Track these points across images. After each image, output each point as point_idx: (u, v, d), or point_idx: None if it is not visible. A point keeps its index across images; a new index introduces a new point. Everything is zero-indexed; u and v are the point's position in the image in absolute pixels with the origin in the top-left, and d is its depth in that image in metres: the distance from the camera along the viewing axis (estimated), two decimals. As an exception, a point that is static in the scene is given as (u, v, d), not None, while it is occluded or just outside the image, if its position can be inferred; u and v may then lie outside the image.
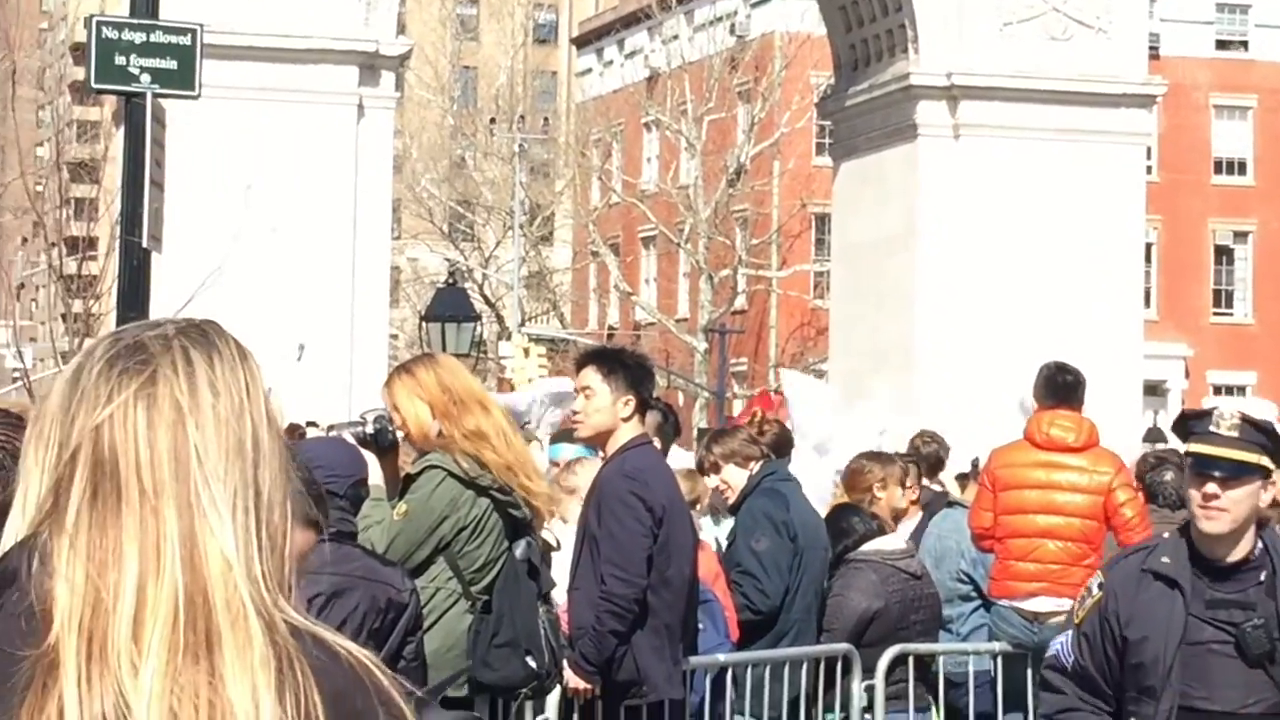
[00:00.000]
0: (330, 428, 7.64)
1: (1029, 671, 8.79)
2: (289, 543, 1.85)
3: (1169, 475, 9.46)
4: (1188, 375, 46.75)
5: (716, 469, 8.53)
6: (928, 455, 11.80)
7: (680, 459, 11.12)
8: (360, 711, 1.78)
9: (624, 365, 7.21)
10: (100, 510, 1.73)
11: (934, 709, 9.06)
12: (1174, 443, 21.12)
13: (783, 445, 10.17)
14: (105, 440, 1.74)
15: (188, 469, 1.75)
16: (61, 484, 1.74)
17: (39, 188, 34.98)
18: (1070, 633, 5.08)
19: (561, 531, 7.49)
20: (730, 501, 8.51)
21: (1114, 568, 5.51)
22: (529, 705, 6.92)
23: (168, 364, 1.78)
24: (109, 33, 10.08)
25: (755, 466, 8.57)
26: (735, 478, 8.41)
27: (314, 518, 3.61)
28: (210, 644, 1.72)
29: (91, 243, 34.96)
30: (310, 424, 12.85)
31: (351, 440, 6.30)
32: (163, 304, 11.77)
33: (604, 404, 7.00)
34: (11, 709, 1.72)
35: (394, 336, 35.18)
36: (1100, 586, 5.16)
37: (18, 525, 1.78)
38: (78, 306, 31.49)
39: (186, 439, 1.75)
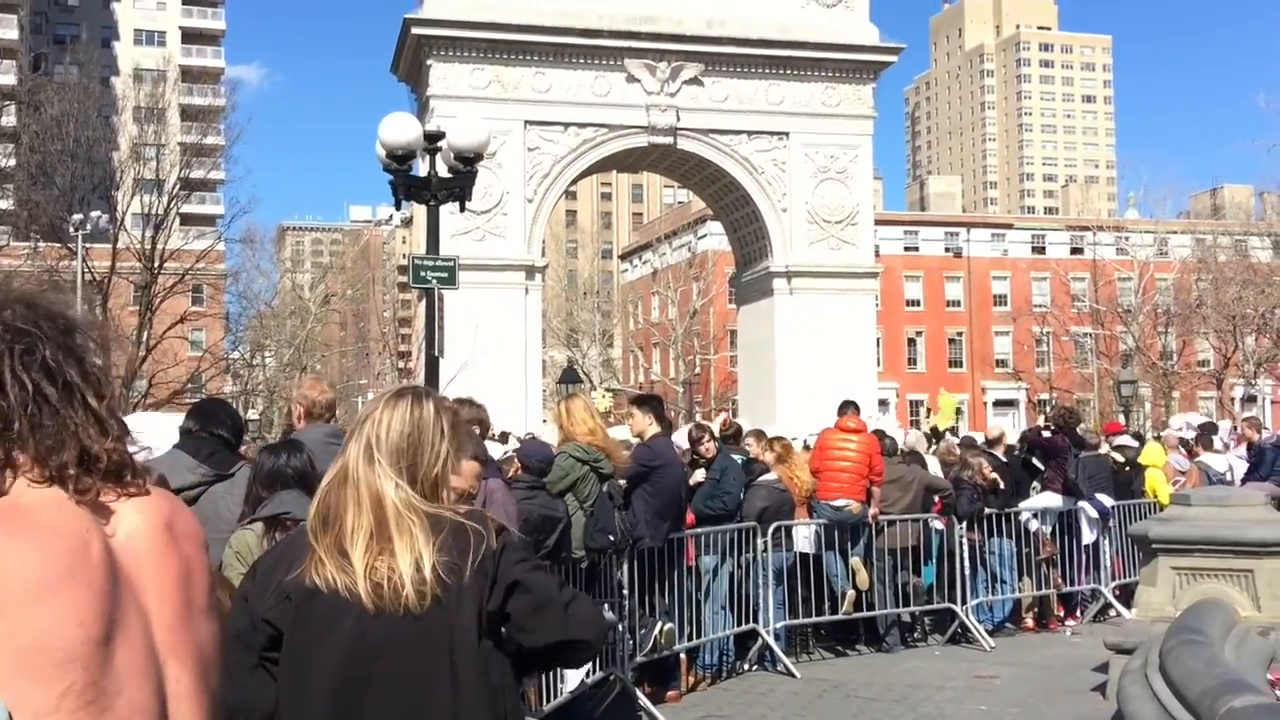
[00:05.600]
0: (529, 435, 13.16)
1: (836, 533, 12.08)
2: (443, 483, 2.56)
3: (888, 441, 13.21)
4: (898, 396, 63.85)
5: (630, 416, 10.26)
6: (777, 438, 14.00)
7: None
8: (479, 539, 2.51)
9: (648, 401, 10.31)
10: (341, 483, 2.64)
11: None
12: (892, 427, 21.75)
13: (737, 435, 13.86)
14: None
15: (371, 455, 2.57)
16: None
17: (384, 330, 59.98)
18: None
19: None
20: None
21: None
22: (614, 559, 9.20)
23: (389, 404, 2.68)
24: (418, 260, 13.18)
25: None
26: (639, 419, 10.20)
27: (483, 457, 4.33)
28: (389, 538, 2.46)
29: (409, 354, 57.76)
30: (504, 434, 16.34)
31: (538, 438, 9.70)
32: (439, 384, 12.80)
33: (639, 420, 10.04)
34: (303, 567, 2.53)
35: (545, 390, 48.66)
36: None
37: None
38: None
39: (370, 441, 2.60)
